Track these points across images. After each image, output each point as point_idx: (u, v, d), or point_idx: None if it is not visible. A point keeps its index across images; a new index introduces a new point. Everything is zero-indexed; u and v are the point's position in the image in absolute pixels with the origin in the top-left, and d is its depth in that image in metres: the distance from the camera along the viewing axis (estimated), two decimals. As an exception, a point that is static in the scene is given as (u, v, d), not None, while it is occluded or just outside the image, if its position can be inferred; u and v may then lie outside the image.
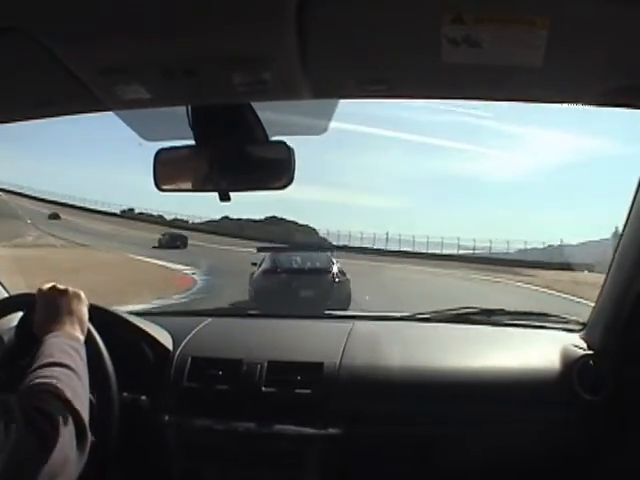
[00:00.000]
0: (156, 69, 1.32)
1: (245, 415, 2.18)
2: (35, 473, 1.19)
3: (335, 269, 14.95)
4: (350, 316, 2.88)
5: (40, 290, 1.72)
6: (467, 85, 1.42)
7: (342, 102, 1.62)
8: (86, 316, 1.72)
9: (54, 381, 1.37)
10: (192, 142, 1.76)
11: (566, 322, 2.53)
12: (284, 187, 1.73)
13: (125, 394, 2.08)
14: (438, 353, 2.34)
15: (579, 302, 14.49)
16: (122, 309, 2.56)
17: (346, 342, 2.37)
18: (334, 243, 40.21)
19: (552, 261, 29.65)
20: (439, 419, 2.13)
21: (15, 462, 1.16)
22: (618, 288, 2.10)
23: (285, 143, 1.72)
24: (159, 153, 1.81)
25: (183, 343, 2.40)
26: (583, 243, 31.65)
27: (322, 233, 48.60)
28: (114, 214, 52.92)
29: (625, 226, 2.03)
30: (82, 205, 60.70)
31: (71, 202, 61.88)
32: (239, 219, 54.75)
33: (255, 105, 1.68)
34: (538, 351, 2.30)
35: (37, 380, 1.37)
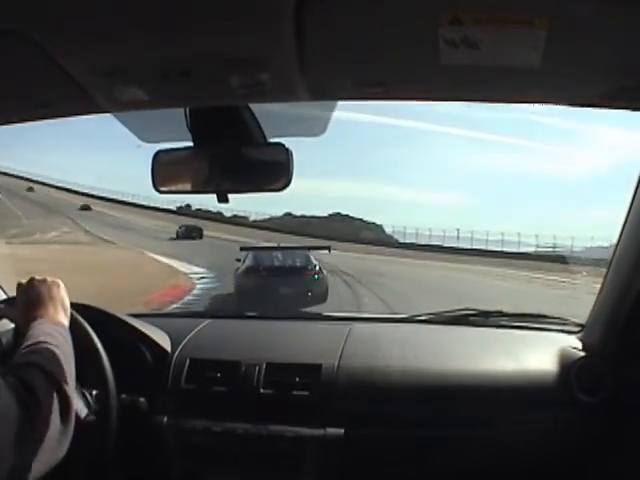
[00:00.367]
0: (154, 71, 1.32)
1: (243, 417, 2.18)
2: (19, 444, 1.20)
3: (314, 266, 15.65)
4: (348, 318, 2.88)
5: (19, 284, 1.73)
6: (465, 86, 1.42)
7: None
8: (67, 301, 1.72)
9: (38, 356, 1.39)
10: (190, 144, 1.76)
11: (564, 324, 2.53)
12: (282, 189, 1.73)
13: (123, 396, 2.09)
14: (436, 355, 2.34)
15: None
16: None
17: (344, 344, 2.37)
18: (401, 241, 39.55)
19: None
20: (437, 421, 2.13)
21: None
22: (616, 290, 2.10)
23: (283, 145, 1.73)
24: (157, 155, 1.81)
25: (181, 345, 2.40)
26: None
27: (388, 230, 47.14)
28: (167, 210, 51.35)
29: (623, 227, 2.03)
30: (133, 201, 60.13)
31: (121, 198, 61.96)
32: (302, 216, 53.20)
33: (253, 107, 1.68)
34: (536, 353, 2.30)
35: (21, 358, 1.39)
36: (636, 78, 1.31)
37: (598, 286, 2.21)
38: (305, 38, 1.18)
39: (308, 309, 12.70)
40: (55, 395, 1.32)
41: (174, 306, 14.51)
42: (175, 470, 2.22)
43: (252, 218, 54.42)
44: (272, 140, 1.77)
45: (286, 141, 1.75)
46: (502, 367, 2.24)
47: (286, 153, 1.71)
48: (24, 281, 1.73)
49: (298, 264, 15.84)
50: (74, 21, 1.13)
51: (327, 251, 19.04)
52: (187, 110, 1.70)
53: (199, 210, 54.34)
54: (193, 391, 2.28)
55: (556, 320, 2.61)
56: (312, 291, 14.61)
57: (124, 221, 43.93)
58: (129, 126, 1.80)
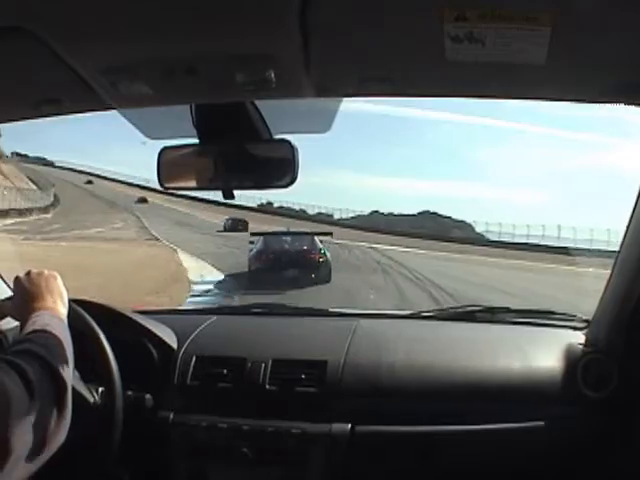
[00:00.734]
0: (159, 68, 1.32)
1: (249, 413, 2.19)
2: (13, 431, 1.19)
3: (318, 250, 17.52)
4: (354, 314, 2.88)
5: (17, 277, 1.73)
6: (471, 82, 1.42)
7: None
8: (65, 293, 1.73)
9: (33, 344, 1.40)
10: (196, 140, 1.76)
11: (570, 320, 2.52)
12: (287, 185, 1.73)
13: (129, 392, 2.09)
14: (442, 351, 2.34)
15: None
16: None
17: (350, 340, 2.37)
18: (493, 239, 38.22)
19: None
20: (443, 417, 2.13)
21: None
22: (622, 285, 2.09)
23: (289, 141, 1.73)
24: (163, 151, 1.82)
25: (187, 341, 2.41)
26: None
27: (479, 229, 45.97)
28: (247, 208, 49.51)
29: (629, 224, 2.03)
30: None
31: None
32: (390, 214, 52.71)
33: (259, 103, 1.68)
34: (542, 349, 2.30)
35: (16, 346, 1.41)
36: None
37: None
38: (311, 34, 1.18)
39: (313, 287, 15.32)
40: (51, 382, 1.33)
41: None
42: (180, 466, 2.22)
43: (337, 216, 53.74)
44: (278, 136, 1.77)
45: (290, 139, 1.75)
46: (508, 363, 2.24)
47: (292, 149, 1.71)
48: (22, 274, 1.73)
49: (305, 247, 17.59)
50: (79, 18, 1.13)
51: (330, 237, 21.16)
52: (193, 106, 1.70)
53: (281, 208, 54.46)
54: (199, 388, 2.29)
55: (562, 316, 2.60)
56: (316, 272, 16.39)
57: (182, 214, 43.98)
58: (134, 122, 1.80)
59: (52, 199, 52.59)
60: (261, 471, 2.17)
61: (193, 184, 1.90)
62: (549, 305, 2.88)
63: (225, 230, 33.87)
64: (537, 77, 1.33)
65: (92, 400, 1.92)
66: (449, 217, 50.92)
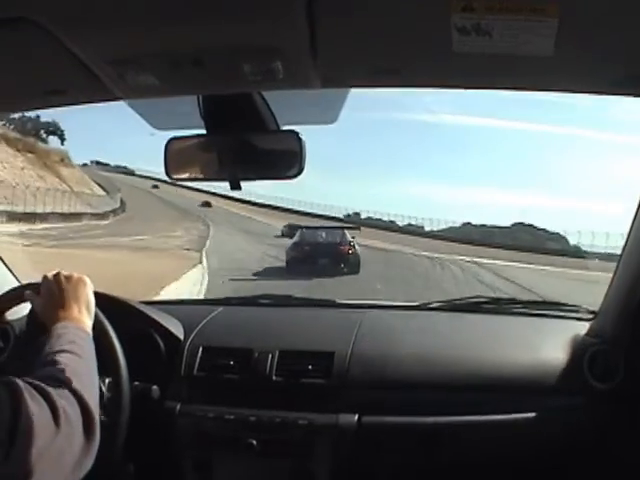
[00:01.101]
0: (166, 58, 1.31)
1: (256, 404, 2.20)
2: (39, 461, 1.16)
3: (348, 242, 20.29)
4: (361, 305, 2.88)
5: (45, 277, 1.71)
6: (478, 74, 1.41)
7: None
8: (93, 301, 1.71)
9: (61, 367, 1.36)
10: (203, 131, 1.76)
11: (577, 311, 2.53)
12: (294, 177, 1.73)
13: (136, 383, 2.10)
14: (449, 342, 2.35)
15: None
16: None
17: (357, 331, 2.38)
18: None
19: None
20: (450, 408, 2.13)
21: (23, 445, 1.14)
22: (629, 276, 2.09)
23: (296, 132, 1.73)
24: (170, 142, 1.82)
25: (194, 332, 2.42)
26: None
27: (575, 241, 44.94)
28: (327, 217, 50.31)
29: (635, 217, 2.02)
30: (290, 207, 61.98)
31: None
32: (482, 225, 51.87)
33: (266, 94, 1.68)
34: (549, 340, 2.30)
35: (45, 368, 1.37)
36: None
37: None
38: (318, 25, 1.17)
39: (343, 277, 17.37)
40: (78, 410, 1.30)
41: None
42: (187, 457, 2.23)
43: (428, 227, 53.48)
44: (285, 127, 1.77)
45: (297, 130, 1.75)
46: (515, 354, 2.24)
47: (299, 140, 1.71)
48: (50, 274, 1.71)
49: (337, 240, 20.48)
50: (85, 9, 1.13)
51: (358, 230, 25.36)
52: (200, 97, 1.70)
53: (369, 218, 54.67)
54: (205, 379, 2.30)
55: (569, 307, 2.61)
56: (345, 263, 19.22)
57: (246, 219, 44.81)
58: (141, 113, 1.80)
59: (118, 204, 53.35)
60: (268, 462, 2.18)
61: (200, 175, 1.91)
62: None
63: (283, 236, 34.31)
64: (544, 68, 1.32)
65: (99, 391, 1.93)
66: (543, 229, 49.96)
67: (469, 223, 52.60)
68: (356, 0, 1.13)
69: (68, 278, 1.69)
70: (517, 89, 1.53)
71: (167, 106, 1.77)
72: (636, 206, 2.02)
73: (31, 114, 59.89)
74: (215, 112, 1.72)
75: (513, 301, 2.76)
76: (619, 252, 2.15)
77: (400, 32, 1.22)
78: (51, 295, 1.65)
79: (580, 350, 2.18)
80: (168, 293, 12.63)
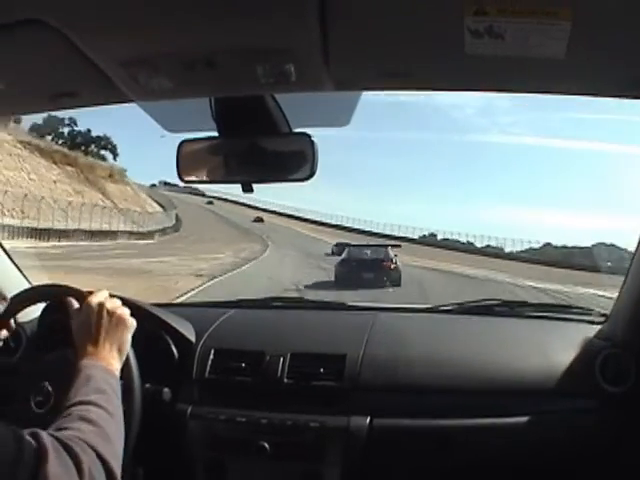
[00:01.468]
0: (178, 61, 1.32)
1: (267, 407, 2.20)
2: None
3: (390, 259, 22.27)
4: (372, 308, 2.88)
5: (88, 300, 1.65)
6: (491, 77, 1.41)
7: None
8: (128, 344, 1.65)
9: (91, 428, 1.30)
10: (215, 133, 1.77)
11: (588, 314, 2.52)
12: (306, 179, 1.74)
13: (147, 385, 2.10)
14: (460, 345, 2.34)
15: None
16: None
17: (369, 334, 2.37)
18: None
19: None
20: (461, 411, 2.13)
21: None
22: (639, 283, 2.08)
23: (308, 135, 1.73)
24: (182, 144, 1.83)
25: (206, 335, 2.42)
26: None
27: None
28: (402, 238, 48.76)
29: None
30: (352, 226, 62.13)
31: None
32: (563, 246, 50.98)
33: (278, 97, 1.68)
34: (560, 342, 2.29)
35: (73, 422, 1.31)
36: None
37: None
38: (330, 28, 1.18)
39: (384, 290, 18.35)
40: (105, 477, 1.24)
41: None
42: (199, 460, 2.23)
43: (508, 249, 52.57)
44: (297, 130, 1.77)
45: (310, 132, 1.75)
46: (526, 357, 2.24)
47: (311, 143, 1.72)
48: (95, 300, 1.64)
49: (381, 257, 22.41)
50: (99, 11, 1.14)
51: (399, 248, 26.43)
52: (212, 99, 1.71)
53: (445, 240, 54.39)
54: (217, 381, 2.30)
55: (580, 310, 2.60)
56: (388, 276, 20.65)
57: (309, 238, 45.30)
58: (153, 115, 1.81)
59: (172, 222, 53.32)
60: (279, 464, 2.17)
61: (212, 177, 1.91)
62: None
63: (333, 254, 34.26)
64: (556, 71, 1.32)
65: None
66: (625, 249, 48.64)
67: (549, 244, 52.44)
68: (368, 3, 1.13)
69: (111, 313, 1.61)
70: (528, 92, 1.53)
71: (179, 108, 1.77)
72: None
73: (82, 128, 60.56)
74: (227, 114, 1.72)
75: (524, 304, 2.74)
76: None
77: (413, 35, 1.23)
78: (87, 325, 1.59)
79: (592, 353, 2.17)
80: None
